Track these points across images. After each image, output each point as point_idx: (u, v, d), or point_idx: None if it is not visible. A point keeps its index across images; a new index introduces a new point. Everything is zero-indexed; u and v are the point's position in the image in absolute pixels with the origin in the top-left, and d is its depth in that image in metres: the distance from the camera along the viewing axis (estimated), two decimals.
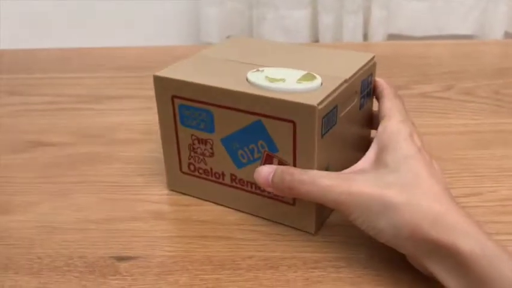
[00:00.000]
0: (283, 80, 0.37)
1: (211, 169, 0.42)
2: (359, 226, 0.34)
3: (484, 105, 0.61)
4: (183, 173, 0.43)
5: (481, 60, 0.77)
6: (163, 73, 0.40)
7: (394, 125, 0.38)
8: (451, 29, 1.34)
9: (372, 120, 0.45)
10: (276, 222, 0.41)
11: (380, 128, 0.38)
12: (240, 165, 0.40)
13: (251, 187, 0.40)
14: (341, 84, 0.38)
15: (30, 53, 0.82)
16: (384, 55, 0.75)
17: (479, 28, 1.34)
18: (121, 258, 0.38)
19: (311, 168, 0.37)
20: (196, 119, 0.40)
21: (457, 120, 0.57)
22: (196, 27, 1.39)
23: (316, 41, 1.36)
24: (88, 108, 0.63)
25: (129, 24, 1.39)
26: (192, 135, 0.41)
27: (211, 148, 0.41)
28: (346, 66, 0.40)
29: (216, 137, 0.40)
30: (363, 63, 0.41)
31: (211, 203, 0.43)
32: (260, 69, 0.39)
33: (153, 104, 0.42)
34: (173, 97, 0.40)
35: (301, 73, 0.38)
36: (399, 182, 0.33)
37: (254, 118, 0.37)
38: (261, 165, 0.39)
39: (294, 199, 0.39)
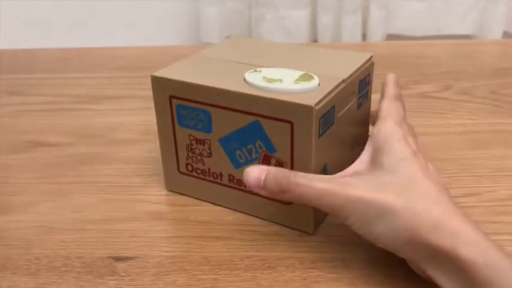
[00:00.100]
0: (280, 80, 0.37)
1: (209, 169, 0.42)
2: (356, 231, 0.34)
3: (482, 105, 0.61)
4: (181, 173, 0.43)
5: (479, 60, 0.77)
6: (161, 73, 0.40)
7: (388, 126, 0.37)
8: (449, 29, 1.34)
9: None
10: (273, 222, 0.41)
11: (375, 129, 0.38)
12: (237, 165, 0.40)
13: None
14: (339, 85, 0.38)
15: (30, 53, 0.82)
16: (382, 55, 0.75)
17: (478, 28, 1.34)
18: (119, 259, 0.38)
19: (309, 168, 0.37)
20: (194, 119, 0.40)
21: (455, 120, 0.57)
22: (196, 27, 1.39)
23: (315, 41, 1.36)
24: (87, 109, 0.63)
25: (129, 24, 1.39)
26: (189, 135, 0.41)
27: (209, 148, 0.41)
28: (343, 67, 0.40)
29: (213, 137, 0.40)
30: (360, 63, 0.41)
31: (209, 203, 0.43)
32: (258, 69, 0.40)
33: (153, 104, 0.42)
34: (171, 97, 0.40)
35: (298, 73, 0.39)
36: (395, 184, 0.33)
37: (252, 118, 0.37)
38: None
39: None
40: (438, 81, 0.68)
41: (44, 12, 1.37)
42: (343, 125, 0.39)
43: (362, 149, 0.38)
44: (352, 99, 0.40)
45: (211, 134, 0.40)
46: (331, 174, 0.39)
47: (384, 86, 0.42)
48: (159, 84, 0.40)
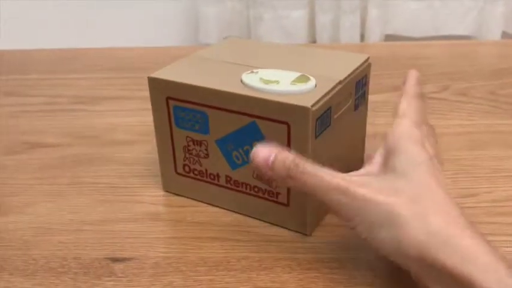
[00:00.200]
0: (277, 81, 0.37)
1: (206, 170, 0.42)
2: (359, 234, 0.32)
3: (480, 106, 0.61)
4: (178, 174, 0.43)
5: (477, 61, 0.77)
6: (158, 74, 0.40)
7: (405, 127, 0.34)
8: (448, 30, 1.34)
9: None
10: (270, 223, 0.41)
11: (390, 129, 0.35)
12: (234, 166, 0.40)
13: (246, 188, 0.40)
14: (335, 86, 0.38)
15: (28, 53, 0.82)
16: (380, 56, 0.75)
17: (476, 28, 1.34)
18: (116, 260, 0.38)
19: None
20: (191, 120, 0.40)
21: (453, 121, 0.57)
22: (195, 28, 1.39)
23: (314, 41, 1.36)
24: (85, 109, 0.63)
25: (128, 24, 1.39)
26: (187, 136, 0.41)
27: (206, 149, 0.41)
28: (340, 68, 0.40)
29: (210, 138, 0.40)
30: (357, 65, 0.41)
31: (206, 204, 0.43)
32: (254, 70, 0.40)
33: (150, 105, 0.42)
34: (168, 98, 0.40)
35: (295, 75, 0.39)
36: (407, 190, 0.31)
37: (248, 119, 0.37)
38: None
39: (289, 200, 0.39)
40: (436, 81, 0.68)
41: (41, 13, 1.37)
42: (339, 126, 0.39)
43: (359, 152, 0.38)
44: (348, 100, 0.40)
45: (208, 135, 0.40)
46: None
47: (403, 83, 0.39)
48: (156, 85, 0.40)
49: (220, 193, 0.42)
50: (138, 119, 0.58)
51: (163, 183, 0.45)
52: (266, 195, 0.40)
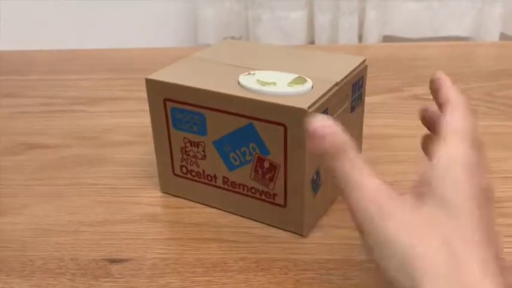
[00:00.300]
0: (274, 83, 0.38)
1: (203, 171, 0.42)
2: (366, 250, 0.29)
3: (477, 107, 0.61)
4: (176, 175, 0.44)
5: (475, 62, 0.77)
6: (155, 76, 0.40)
7: (452, 151, 0.28)
8: (446, 31, 1.35)
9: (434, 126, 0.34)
10: (267, 224, 0.41)
11: (434, 151, 0.29)
12: (231, 167, 0.40)
13: (243, 189, 0.41)
14: (332, 88, 0.38)
15: (26, 54, 0.83)
16: (377, 57, 0.76)
17: (474, 30, 1.34)
18: (113, 261, 0.38)
19: (302, 170, 0.37)
20: (189, 122, 0.40)
21: None
22: (193, 29, 1.39)
23: (312, 42, 1.36)
24: (83, 110, 0.63)
25: (127, 25, 1.39)
26: (184, 138, 0.41)
27: (204, 151, 0.41)
28: (337, 70, 0.40)
29: (208, 139, 0.40)
30: (354, 67, 0.41)
31: (204, 206, 0.43)
32: (251, 72, 0.40)
33: (148, 107, 0.42)
34: (165, 100, 0.40)
35: (292, 76, 0.39)
36: (444, 226, 0.26)
37: (245, 121, 0.37)
38: (253, 167, 0.39)
39: (286, 201, 0.39)
40: None
41: (40, 14, 1.37)
42: None
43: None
44: (345, 102, 0.40)
45: (205, 137, 0.40)
46: (324, 176, 0.40)
47: (437, 90, 0.33)
48: (153, 87, 0.41)
49: (218, 194, 0.42)
50: (137, 120, 0.59)
51: (161, 185, 0.45)
52: (263, 197, 0.40)
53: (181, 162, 0.43)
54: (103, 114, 0.62)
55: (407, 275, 0.25)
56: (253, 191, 0.40)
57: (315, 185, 0.39)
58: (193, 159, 0.42)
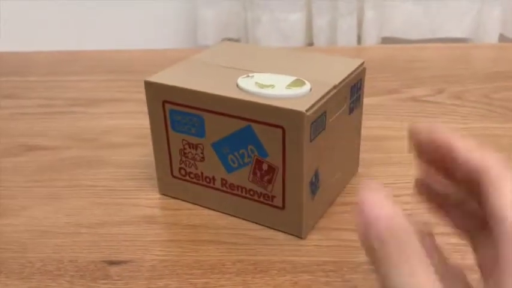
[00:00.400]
0: (272, 86, 0.38)
1: (202, 173, 0.42)
2: None
3: (474, 109, 0.61)
4: (174, 177, 0.44)
5: (473, 64, 0.77)
6: (154, 78, 0.41)
7: None
8: (445, 32, 1.35)
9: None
10: (265, 226, 0.41)
11: (499, 236, 0.21)
12: (230, 169, 0.40)
13: (241, 191, 0.41)
14: (330, 90, 0.38)
15: (26, 55, 0.83)
16: (376, 58, 0.76)
17: (473, 31, 1.34)
18: (112, 263, 0.38)
19: (300, 172, 0.37)
20: (187, 124, 0.40)
21: (448, 124, 0.58)
22: (193, 29, 1.39)
23: (311, 43, 1.36)
24: (82, 112, 0.63)
25: (126, 26, 1.39)
26: (183, 140, 0.41)
27: (202, 153, 0.41)
28: (335, 72, 0.41)
29: (206, 141, 0.40)
30: (352, 69, 0.41)
31: (202, 207, 0.44)
32: (250, 74, 0.40)
33: (147, 108, 0.42)
34: (164, 102, 0.40)
35: (290, 79, 0.39)
36: None
37: (244, 123, 0.38)
38: (251, 170, 0.39)
39: (284, 203, 0.39)
40: (431, 85, 0.68)
41: (39, 15, 1.37)
42: (334, 130, 0.40)
43: (353, 155, 0.37)
44: (343, 104, 0.41)
45: (204, 139, 0.40)
46: (323, 178, 0.40)
47: (469, 163, 0.24)
48: (152, 89, 0.41)
49: (216, 196, 0.42)
50: (136, 121, 0.59)
51: (160, 186, 0.45)
52: (261, 199, 0.40)
53: (180, 164, 0.43)
54: (102, 115, 0.62)
55: None
56: (251, 193, 0.40)
57: (313, 187, 0.39)
58: (192, 161, 0.42)
